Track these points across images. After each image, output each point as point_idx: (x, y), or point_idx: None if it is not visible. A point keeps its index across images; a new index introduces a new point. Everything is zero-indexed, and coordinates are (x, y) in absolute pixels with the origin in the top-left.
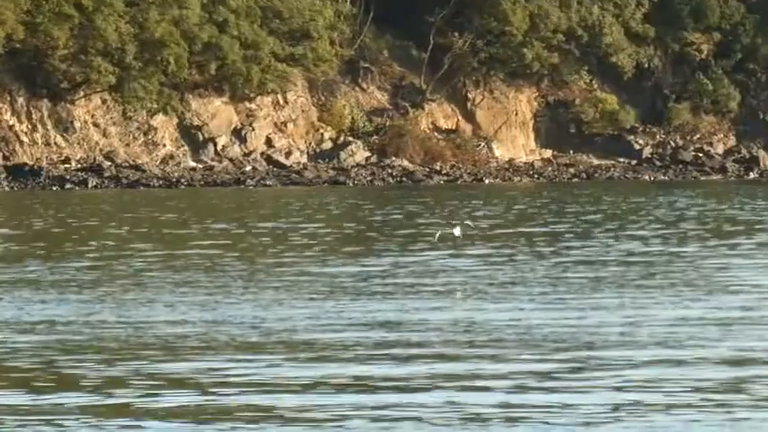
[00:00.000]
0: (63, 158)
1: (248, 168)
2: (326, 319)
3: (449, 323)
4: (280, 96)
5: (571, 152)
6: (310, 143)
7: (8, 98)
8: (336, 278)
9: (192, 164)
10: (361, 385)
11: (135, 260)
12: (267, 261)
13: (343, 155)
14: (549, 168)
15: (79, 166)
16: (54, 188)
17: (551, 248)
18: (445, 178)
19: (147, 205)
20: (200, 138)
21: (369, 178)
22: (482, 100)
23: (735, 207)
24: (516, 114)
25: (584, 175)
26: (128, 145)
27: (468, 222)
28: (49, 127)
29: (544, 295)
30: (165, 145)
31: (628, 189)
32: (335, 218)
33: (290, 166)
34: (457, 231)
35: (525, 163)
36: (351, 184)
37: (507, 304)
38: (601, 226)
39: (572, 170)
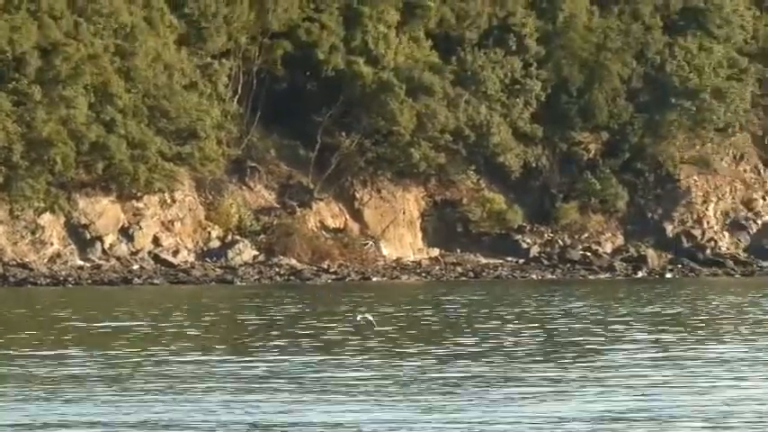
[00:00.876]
0: None
1: (136, 267)
2: None
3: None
4: (167, 195)
5: (458, 251)
6: (198, 242)
7: None
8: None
9: (80, 262)
10: None
11: None
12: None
13: (230, 253)
14: (437, 267)
15: None
16: None
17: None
18: (333, 277)
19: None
20: (88, 236)
21: (256, 277)
22: (370, 199)
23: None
24: (404, 213)
25: (471, 274)
26: (15, 243)
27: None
28: None
29: None
30: (52, 243)
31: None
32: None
33: (178, 264)
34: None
35: (413, 262)
36: (239, 283)
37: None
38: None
39: (459, 269)
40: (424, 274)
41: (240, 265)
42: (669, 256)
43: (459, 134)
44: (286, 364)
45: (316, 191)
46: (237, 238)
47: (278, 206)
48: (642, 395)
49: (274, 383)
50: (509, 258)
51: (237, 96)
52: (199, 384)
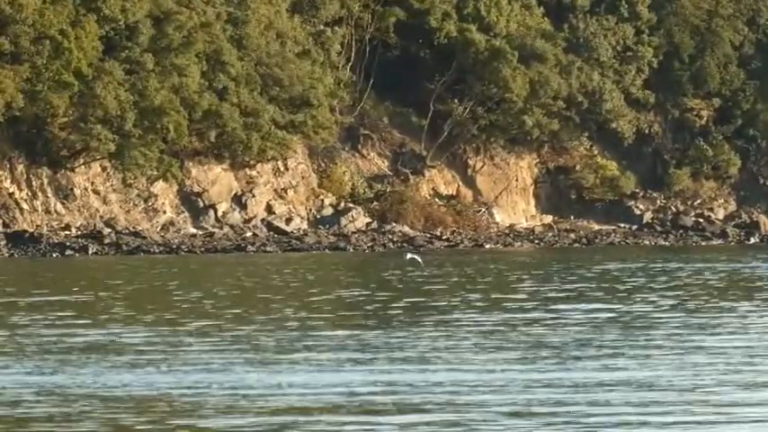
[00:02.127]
0: (63, 225)
1: (249, 235)
2: None
3: None
4: (280, 163)
5: (571, 218)
6: (311, 209)
7: (8, 166)
8: None
9: (193, 230)
10: None
11: None
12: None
13: (343, 221)
14: (550, 234)
15: (79, 233)
16: (54, 255)
17: None
18: (446, 244)
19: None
20: (201, 204)
21: (369, 244)
22: (482, 166)
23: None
24: (516, 180)
25: (584, 241)
26: (128, 212)
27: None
28: (49, 194)
29: None
30: (165, 212)
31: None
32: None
33: (291, 232)
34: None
35: (526, 228)
36: (351, 250)
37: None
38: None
39: (572, 236)
40: (536, 241)
41: (353, 233)
42: None
43: (571, 101)
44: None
45: (428, 158)
46: (350, 205)
47: (391, 173)
48: None
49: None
50: (622, 225)
51: (350, 64)
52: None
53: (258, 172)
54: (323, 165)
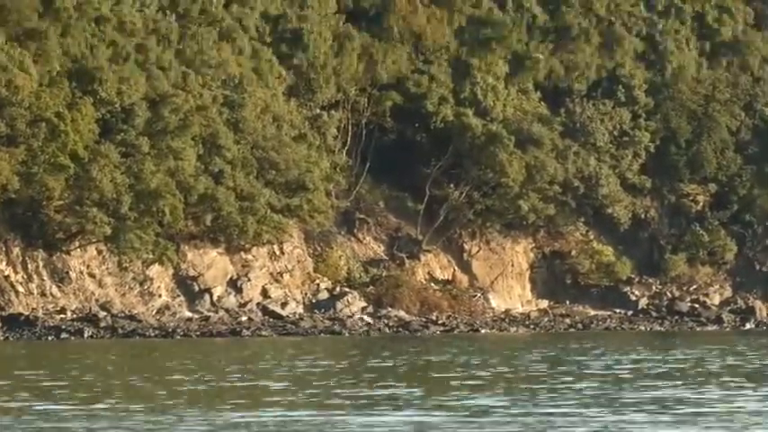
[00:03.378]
0: (58, 308)
1: (244, 319)
2: None
3: None
4: (276, 247)
5: (567, 303)
6: (306, 293)
7: (3, 248)
8: None
9: (188, 314)
10: None
11: None
12: None
13: (339, 305)
14: (546, 319)
15: (75, 316)
16: (49, 338)
17: None
18: (441, 328)
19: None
20: (196, 288)
21: (365, 329)
22: (478, 251)
23: None
24: (512, 265)
25: (580, 326)
26: (123, 295)
27: None
28: (45, 277)
29: None
30: (160, 295)
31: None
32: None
33: (286, 316)
34: None
35: (521, 313)
36: (347, 335)
37: None
38: None
39: (568, 321)
40: (532, 326)
41: (348, 317)
42: None
43: (567, 186)
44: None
45: (424, 242)
46: (346, 289)
47: (386, 258)
48: None
49: None
50: (617, 310)
51: (346, 148)
52: None
53: (254, 256)
54: (319, 249)
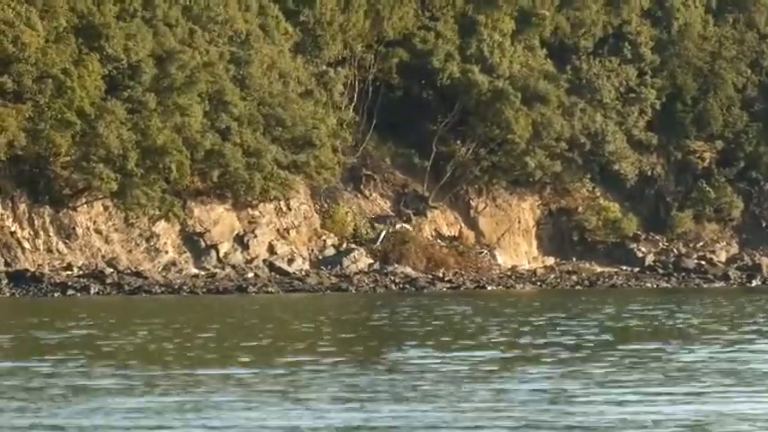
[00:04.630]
0: (65, 265)
1: (251, 275)
2: None
3: None
4: (282, 203)
5: (574, 260)
6: (313, 250)
7: (10, 205)
8: None
9: (195, 271)
10: None
11: None
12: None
13: (345, 262)
14: (552, 276)
15: (81, 272)
16: (56, 294)
17: None
18: (448, 285)
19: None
20: (203, 245)
21: (371, 285)
22: (485, 207)
23: None
24: (519, 222)
25: (586, 283)
26: (130, 251)
27: None
28: (51, 233)
29: None
30: (167, 252)
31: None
32: None
33: (293, 273)
34: None
35: (528, 270)
36: (353, 291)
37: None
38: None
39: (574, 278)
40: (539, 283)
41: (355, 274)
42: None
43: (574, 142)
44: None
45: (431, 199)
46: (353, 246)
47: (393, 214)
48: None
49: None
50: (624, 267)
51: (353, 105)
52: None
53: (260, 212)
54: (325, 205)
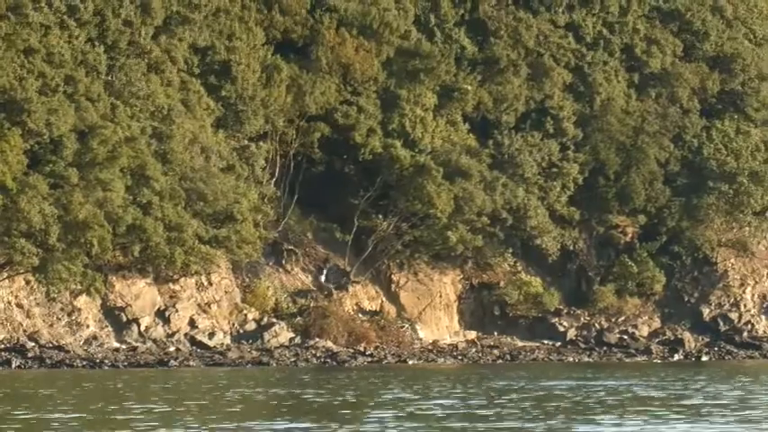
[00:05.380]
0: None
1: (172, 349)
2: None
3: None
4: (203, 278)
5: (495, 334)
6: (234, 324)
7: None
8: None
9: (116, 344)
10: None
11: None
12: None
13: (266, 336)
14: (473, 350)
15: (2, 346)
16: None
17: None
18: (369, 359)
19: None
20: (124, 319)
21: (292, 359)
22: (406, 282)
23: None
24: (440, 296)
25: (508, 357)
26: (51, 325)
27: None
28: None
29: None
30: (88, 326)
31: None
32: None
33: (214, 346)
34: None
35: (449, 344)
36: (274, 365)
37: None
38: None
39: (496, 352)
40: (460, 357)
41: (276, 348)
42: (706, 339)
43: (496, 217)
44: None
45: (352, 273)
46: (274, 320)
47: (314, 289)
48: None
49: None
50: (545, 341)
51: (275, 179)
52: None
53: (182, 286)
54: (246, 279)
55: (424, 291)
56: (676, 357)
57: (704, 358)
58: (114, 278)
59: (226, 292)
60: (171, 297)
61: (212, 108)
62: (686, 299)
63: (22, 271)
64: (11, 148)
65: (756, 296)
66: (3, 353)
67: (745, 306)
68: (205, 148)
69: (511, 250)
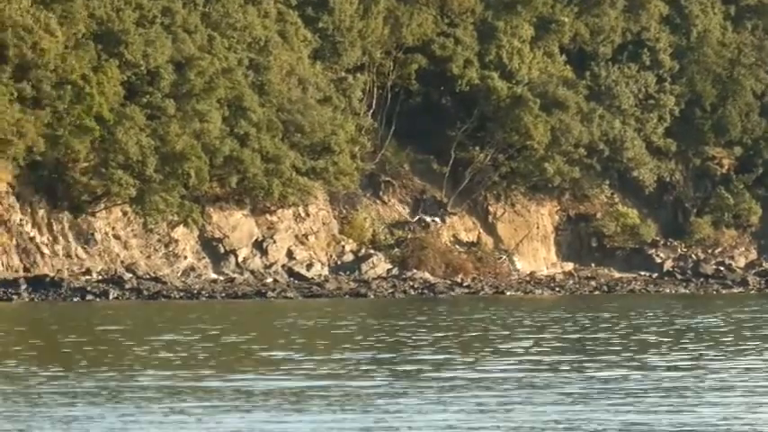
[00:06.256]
0: (84, 270)
1: (269, 281)
2: None
3: None
4: (301, 209)
5: (592, 265)
6: (331, 255)
7: (29, 210)
8: None
9: (213, 276)
10: None
11: None
12: None
13: (364, 267)
14: (571, 281)
15: (100, 277)
16: (75, 299)
17: None
18: (466, 291)
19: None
20: (221, 250)
21: (390, 290)
22: (503, 213)
23: None
24: (537, 228)
25: (605, 288)
26: (149, 257)
27: None
28: (70, 239)
29: None
30: (185, 257)
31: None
32: None
33: (311, 278)
34: None
35: (546, 276)
36: (372, 297)
37: None
38: None
39: (593, 283)
40: (557, 289)
41: (374, 279)
42: None
43: (593, 148)
44: None
45: (449, 205)
46: (371, 251)
47: (412, 220)
48: None
49: None
50: (642, 273)
51: (371, 111)
52: None
53: (279, 218)
54: (344, 211)
55: (521, 222)
56: None
57: None
58: (211, 209)
59: (323, 223)
60: (268, 228)
61: (309, 39)
62: None
63: (119, 202)
64: (108, 79)
65: None
66: (100, 284)
67: None
68: (302, 79)
69: (608, 182)
